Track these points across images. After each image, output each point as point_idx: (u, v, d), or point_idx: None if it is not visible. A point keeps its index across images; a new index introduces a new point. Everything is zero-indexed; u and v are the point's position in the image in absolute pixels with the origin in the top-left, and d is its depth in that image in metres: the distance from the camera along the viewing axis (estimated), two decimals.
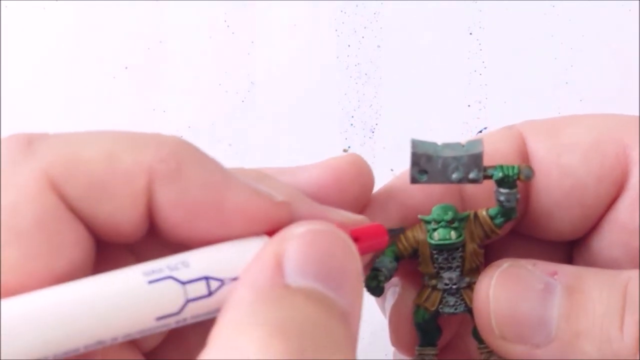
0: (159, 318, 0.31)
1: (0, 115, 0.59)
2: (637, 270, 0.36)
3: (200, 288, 0.31)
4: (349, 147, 0.60)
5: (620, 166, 0.39)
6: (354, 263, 0.32)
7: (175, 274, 0.31)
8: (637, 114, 0.41)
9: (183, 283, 0.31)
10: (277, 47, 0.61)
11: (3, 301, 0.30)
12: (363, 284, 0.32)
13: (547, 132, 0.40)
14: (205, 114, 0.60)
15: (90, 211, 0.32)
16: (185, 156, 0.32)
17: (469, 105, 0.60)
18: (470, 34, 0.60)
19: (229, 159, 0.59)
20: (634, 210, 0.38)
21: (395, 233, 0.38)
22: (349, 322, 0.30)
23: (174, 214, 0.32)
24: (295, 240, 0.31)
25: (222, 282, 0.31)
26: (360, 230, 0.35)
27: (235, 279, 0.32)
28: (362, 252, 0.34)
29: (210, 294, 0.31)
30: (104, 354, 0.33)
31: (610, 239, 0.39)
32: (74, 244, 0.31)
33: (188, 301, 0.31)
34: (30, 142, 0.32)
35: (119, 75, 0.61)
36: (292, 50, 0.61)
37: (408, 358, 0.40)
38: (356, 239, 0.34)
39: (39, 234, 0.31)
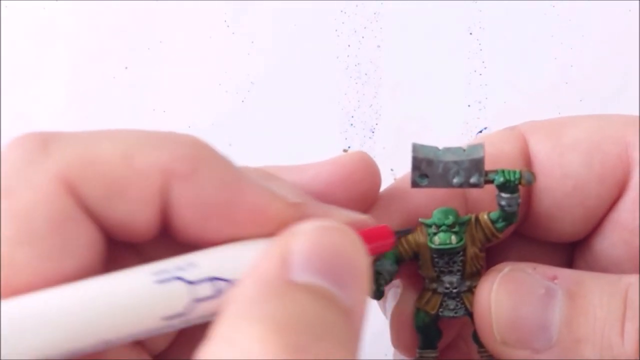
0: (166, 318, 0.31)
1: (0, 115, 0.59)
2: (637, 276, 0.36)
3: (207, 288, 0.31)
4: (349, 147, 0.60)
5: (622, 166, 0.39)
6: (362, 261, 0.31)
7: (182, 274, 0.31)
8: (637, 114, 0.41)
9: (190, 283, 0.31)
10: (277, 47, 0.61)
11: (4, 301, 0.30)
12: (368, 281, 0.31)
13: (548, 133, 0.40)
14: (205, 114, 0.60)
15: (105, 211, 0.32)
16: (201, 156, 0.32)
17: (469, 105, 0.60)
18: (470, 34, 0.60)
19: None
20: (635, 210, 0.38)
21: (402, 234, 0.38)
22: (353, 319, 0.30)
23: (188, 214, 0.32)
24: (302, 236, 0.31)
25: (229, 282, 0.31)
26: (368, 231, 0.35)
27: None
28: (369, 254, 0.34)
29: (217, 294, 0.31)
30: (111, 355, 0.33)
31: (612, 239, 0.39)
32: (87, 246, 0.31)
33: (195, 301, 0.31)
34: (46, 141, 0.31)
35: (119, 75, 0.61)
36: (292, 50, 0.61)
37: (409, 359, 0.40)
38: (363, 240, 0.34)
39: (52, 236, 0.31)
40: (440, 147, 0.37)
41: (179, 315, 0.31)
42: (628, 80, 0.59)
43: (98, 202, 0.31)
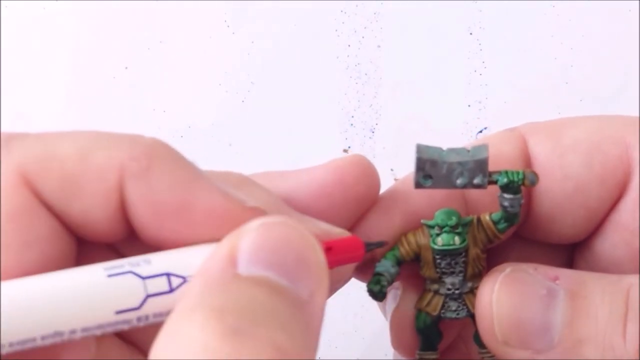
0: (119, 312, 0.31)
1: (0, 115, 0.59)
2: (638, 276, 0.36)
3: (161, 284, 0.31)
4: (349, 147, 0.60)
5: (623, 167, 0.39)
6: (313, 254, 0.31)
7: (135, 269, 0.31)
8: (637, 114, 0.41)
9: (143, 278, 0.31)
10: (277, 47, 0.61)
11: None
12: (325, 275, 0.31)
13: (548, 134, 0.40)
14: (205, 114, 0.60)
15: (63, 207, 0.32)
16: (157, 155, 0.32)
17: (469, 105, 0.60)
18: (470, 34, 0.60)
19: (229, 159, 0.59)
20: (636, 211, 0.38)
21: (374, 247, 0.37)
22: (305, 310, 0.30)
23: (143, 213, 0.32)
24: (249, 232, 0.31)
25: (184, 279, 0.32)
26: (334, 241, 0.35)
27: None
28: (334, 264, 0.34)
29: (171, 290, 0.32)
30: (103, 354, 0.33)
31: (612, 240, 0.39)
32: (47, 239, 0.32)
33: (148, 296, 0.31)
34: (9, 140, 0.32)
35: (119, 75, 0.61)
36: (292, 50, 0.61)
37: None
38: (328, 249, 0.33)
39: (10, 228, 0.31)
40: (445, 147, 0.37)
41: (133, 309, 0.31)
42: (628, 80, 0.59)
43: (55, 197, 0.32)
